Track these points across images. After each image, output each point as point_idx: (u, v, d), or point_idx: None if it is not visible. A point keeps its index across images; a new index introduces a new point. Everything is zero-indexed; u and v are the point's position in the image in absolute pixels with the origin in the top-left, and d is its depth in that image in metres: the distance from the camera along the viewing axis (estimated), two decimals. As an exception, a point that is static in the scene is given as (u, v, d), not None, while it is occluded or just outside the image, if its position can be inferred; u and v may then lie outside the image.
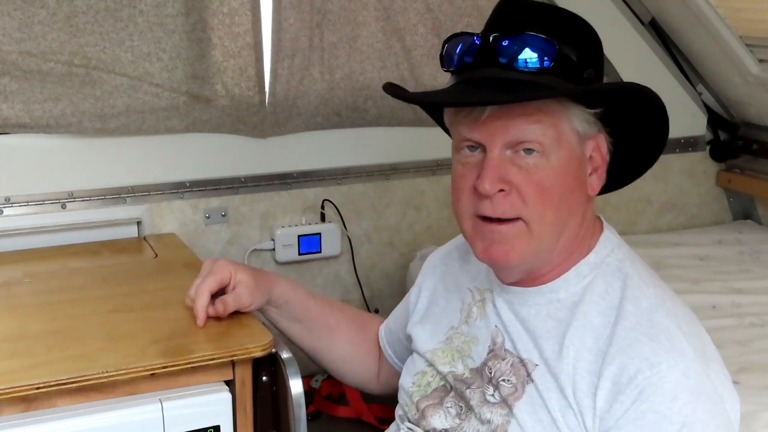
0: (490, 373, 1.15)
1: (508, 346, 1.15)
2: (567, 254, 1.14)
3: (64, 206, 2.04)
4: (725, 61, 2.42)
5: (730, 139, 2.66)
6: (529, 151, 1.07)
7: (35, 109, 1.96)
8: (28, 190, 2.01)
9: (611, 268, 1.13)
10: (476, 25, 2.30)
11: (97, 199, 2.08)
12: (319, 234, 2.31)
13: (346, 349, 1.50)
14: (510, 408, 1.11)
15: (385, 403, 2.19)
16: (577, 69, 1.06)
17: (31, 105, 1.96)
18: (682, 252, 2.36)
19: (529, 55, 1.04)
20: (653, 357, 1.02)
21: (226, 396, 1.39)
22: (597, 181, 1.13)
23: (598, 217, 1.20)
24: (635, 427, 1.01)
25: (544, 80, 1.04)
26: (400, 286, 2.45)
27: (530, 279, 1.16)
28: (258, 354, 1.40)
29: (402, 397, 1.32)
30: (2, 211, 1.99)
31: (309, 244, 2.30)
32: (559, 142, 1.07)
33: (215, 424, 1.38)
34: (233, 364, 1.40)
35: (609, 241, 1.16)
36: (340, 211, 2.33)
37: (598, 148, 1.12)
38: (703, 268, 2.27)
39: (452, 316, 1.27)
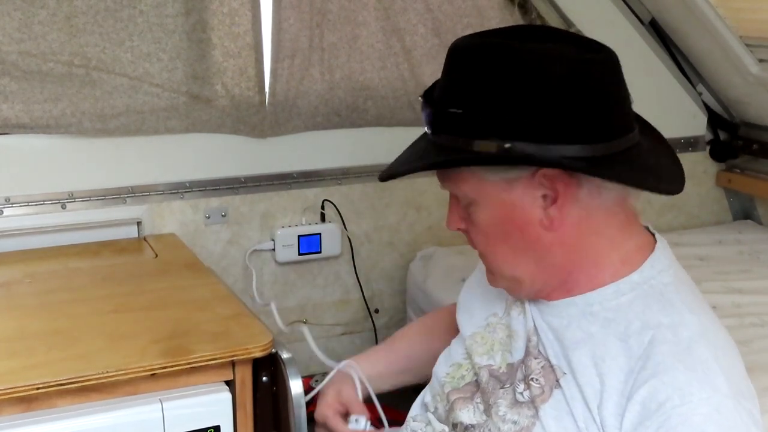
0: (525, 370, 1.14)
1: (540, 348, 1.14)
2: (589, 269, 1.11)
3: (64, 206, 2.04)
4: (725, 61, 2.42)
5: (730, 139, 2.65)
6: (467, 201, 1.14)
7: (35, 109, 1.96)
8: (28, 190, 2.01)
9: (654, 291, 1.10)
10: (476, 25, 2.30)
11: (97, 199, 2.07)
12: (319, 234, 2.31)
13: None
14: (536, 409, 1.10)
15: (386, 403, 2.19)
16: (470, 133, 1.08)
17: (31, 105, 1.96)
18: (682, 252, 2.33)
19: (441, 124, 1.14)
20: (687, 387, 1.00)
21: (226, 396, 1.39)
22: (559, 210, 1.08)
23: (651, 233, 1.17)
24: None
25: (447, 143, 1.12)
26: (400, 286, 2.44)
27: (560, 291, 1.14)
28: (258, 354, 1.40)
29: (434, 385, 1.30)
30: (2, 211, 1.99)
31: (309, 244, 2.30)
32: (480, 193, 1.11)
33: (215, 424, 1.38)
34: (233, 364, 1.40)
35: (658, 262, 1.12)
36: (340, 211, 2.32)
37: (545, 179, 1.07)
38: (703, 268, 2.26)
39: (494, 301, 1.26)
